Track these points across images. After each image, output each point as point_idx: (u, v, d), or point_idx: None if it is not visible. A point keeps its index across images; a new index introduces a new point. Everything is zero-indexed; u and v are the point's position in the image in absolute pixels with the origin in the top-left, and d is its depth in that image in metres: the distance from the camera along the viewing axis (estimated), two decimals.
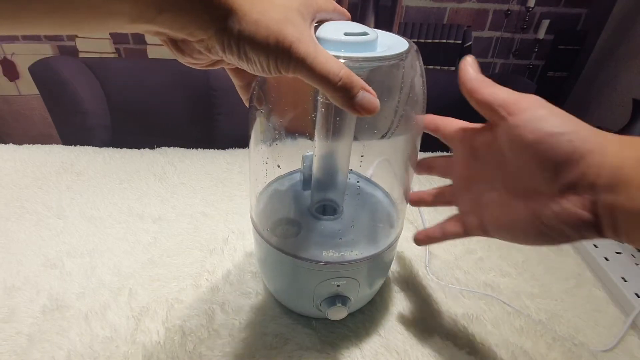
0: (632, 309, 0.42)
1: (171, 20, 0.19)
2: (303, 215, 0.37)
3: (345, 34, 0.25)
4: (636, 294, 0.43)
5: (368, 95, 0.22)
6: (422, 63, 0.30)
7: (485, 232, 0.29)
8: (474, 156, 0.30)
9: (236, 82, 0.32)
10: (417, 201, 0.36)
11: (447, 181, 0.34)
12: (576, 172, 0.22)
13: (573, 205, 0.22)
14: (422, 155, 0.35)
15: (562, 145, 0.22)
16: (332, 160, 0.34)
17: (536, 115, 0.23)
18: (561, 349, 0.38)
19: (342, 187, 0.36)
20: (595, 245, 0.50)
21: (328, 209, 0.38)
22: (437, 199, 0.34)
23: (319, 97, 0.30)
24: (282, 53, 0.20)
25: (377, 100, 0.22)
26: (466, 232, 0.31)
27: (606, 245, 0.50)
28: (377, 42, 0.27)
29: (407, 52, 0.27)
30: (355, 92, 0.22)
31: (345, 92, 0.21)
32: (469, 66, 0.27)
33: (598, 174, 0.21)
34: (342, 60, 0.24)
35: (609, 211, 0.21)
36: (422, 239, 0.34)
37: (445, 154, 0.33)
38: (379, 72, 0.29)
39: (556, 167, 0.22)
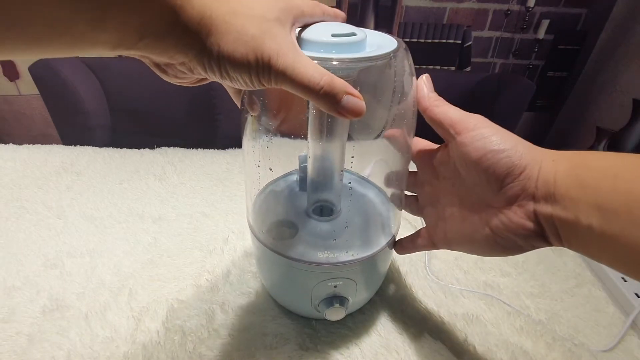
0: (632, 309, 0.42)
1: (152, 46, 0.19)
2: (299, 217, 0.37)
3: (333, 35, 0.25)
4: (636, 294, 0.43)
5: (353, 99, 0.22)
6: (411, 62, 0.30)
7: (449, 245, 0.31)
8: (434, 174, 0.32)
9: (229, 88, 0.32)
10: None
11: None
12: (517, 185, 0.24)
13: (518, 217, 0.24)
14: None
15: (502, 161, 0.24)
16: (327, 161, 0.34)
17: (480, 134, 0.25)
18: (561, 349, 0.38)
19: (337, 188, 0.36)
20: None
21: (325, 210, 0.38)
22: (410, 208, 0.37)
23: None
24: (262, 68, 0.21)
25: (363, 103, 0.23)
26: (433, 244, 0.33)
27: None
28: (366, 43, 0.27)
29: (395, 51, 0.27)
30: (340, 98, 0.22)
31: (329, 99, 0.22)
32: (423, 84, 0.29)
33: (535, 187, 0.23)
34: (334, 62, 0.24)
35: (549, 221, 0.23)
36: (398, 249, 0.37)
37: (412, 170, 0.36)
38: (368, 72, 0.29)
39: (499, 181, 0.25)
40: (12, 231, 0.50)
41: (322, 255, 0.33)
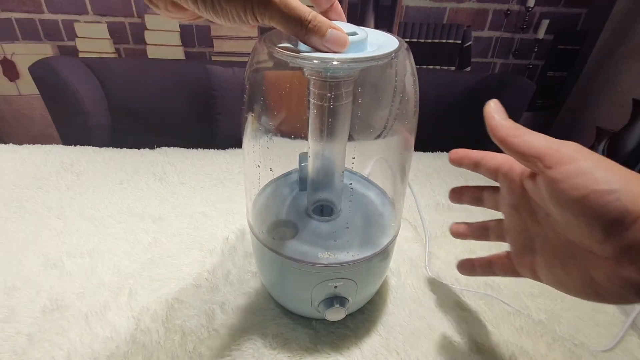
0: (632, 309, 0.42)
1: None
2: (299, 217, 0.37)
3: None
4: None
5: (336, 32, 0.23)
6: (413, 62, 0.30)
7: (537, 278, 0.27)
8: (522, 195, 0.27)
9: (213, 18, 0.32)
10: (457, 234, 0.35)
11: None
12: (629, 236, 0.19)
13: (629, 272, 0.19)
14: (418, 155, 0.35)
15: (610, 205, 0.19)
16: (327, 161, 0.34)
17: (579, 168, 0.20)
18: (561, 349, 0.38)
19: (338, 188, 0.36)
20: None
21: (325, 210, 0.38)
22: (481, 232, 0.33)
23: (310, 99, 0.30)
24: (257, 3, 0.21)
25: (346, 36, 0.24)
26: (515, 273, 0.29)
27: None
28: (367, 42, 0.27)
29: (397, 50, 0.27)
30: (324, 31, 0.23)
31: (315, 32, 0.23)
32: (494, 113, 0.25)
33: None
34: (335, 62, 0.24)
35: None
36: (467, 269, 0.34)
37: (490, 184, 0.31)
38: (370, 71, 0.29)
39: (606, 229, 0.19)
40: (12, 231, 0.50)
41: (323, 256, 0.33)
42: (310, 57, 0.24)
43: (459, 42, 1.67)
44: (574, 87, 1.86)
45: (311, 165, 0.35)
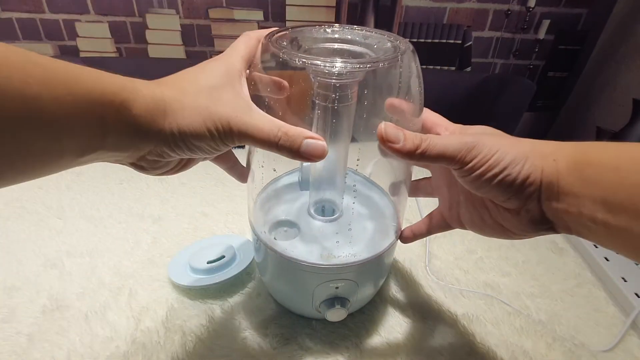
0: (632, 309, 0.42)
1: (117, 140, 0.20)
2: (301, 217, 0.37)
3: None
4: (636, 294, 0.43)
5: (312, 143, 0.24)
6: (418, 64, 0.30)
7: (462, 226, 0.32)
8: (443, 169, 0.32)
9: (223, 167, 0.34)
10: (408, 239, 0.37)
11: None
12: (523, 195, 0.24)
13: (527, 218, 0.25)
14: None
15: (503, 181, 0.24)
16: (330, 161, 0.34)
17: (478, 163, 0.24)
18: (561, 349, 0.38)
19: (340, 188, 0.36)
20: (595, 245, 0.50)
21: (327, 210, 0.38)
22: (412, 192, 0.38)
23: (315, 99, 0.30)
24: (223, 132, 0.22)
25: (323, 143, 0.24)
26: (447, 225, 0.34)
27: None
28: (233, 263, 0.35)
29: (402, 52, 0.27)
30: (298, 145, 0.23)
31: (287, 148, 0.23)
32: (389, 136, 0.24)
33: (539, 190, 0.24)
34: (338, 64, 0.25)
35: (557, 216, 0.24)
36: (408, 236, 0.37)
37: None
38: (374, 73, 0.29)
39: (505, 197, 0.25)
40: (12, 231, 0.50)
41: (324, 256, 0.33)
42: (316, 59, 0.25)
43: (459, 42, 1.67)
44: (575, 87, 1.86)
45: (314, 165, 0.35)
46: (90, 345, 0.36)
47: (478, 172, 0.24)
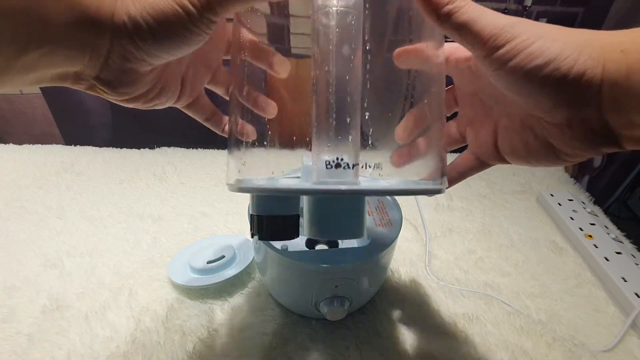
0: (632, 309, 0.42)
1: (63, 32, 0.17)
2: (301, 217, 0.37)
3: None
4: (636, 294, 0.43)
5: None
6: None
7: (502, 160, 0.26)
8: (475, 86, 0.26)
9: (199, 117, 0.30)
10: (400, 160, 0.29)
11: None
12: (575, 98, 0.18)
13: (581, 131, 0.19)
14: None
15: (549, 77, 0.18)
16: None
17: (514, 47, 0.19)
18: (561, 349, 0.38)
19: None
20: (595, 245, 0.50)
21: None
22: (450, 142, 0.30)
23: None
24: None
25: None
26: (482, 164, 0.27)
27: (606, 245, 0.50)
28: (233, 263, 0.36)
29: None
30: None
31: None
32: None
33: (599, 93, 0.18)
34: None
35: (626, 127, 0.18)
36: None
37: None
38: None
39: (550, 100, 0.19)
40: (12, 231, 0.50)
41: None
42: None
43: None
44: None
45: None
46: (90, 345, 0.36)
47: (514, 61, 0.18)
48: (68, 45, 0.17)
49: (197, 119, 0.30)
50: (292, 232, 0.27)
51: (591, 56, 0.17)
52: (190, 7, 0.18)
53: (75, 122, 1.49)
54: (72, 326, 0.38)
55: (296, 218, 0.27)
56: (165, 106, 0.26)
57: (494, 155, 0.26)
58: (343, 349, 0.37)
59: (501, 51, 0.19)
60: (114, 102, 0.22)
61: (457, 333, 0.39)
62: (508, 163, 0.25)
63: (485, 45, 0.19)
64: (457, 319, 0.41)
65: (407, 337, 0.38)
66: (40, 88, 1.46)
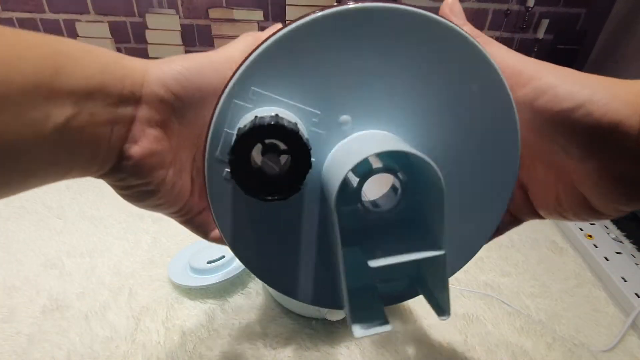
0: (632, 309, 0.42)
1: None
2: None
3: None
4: (636, 294, 0.43)
5: None
6: None
7: (534, 213, 0.23)
8: None
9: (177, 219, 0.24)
10: None
11: None
12: (610, 147, 0.16)
13: (626, 181, 0.17)
14: None
15: (582, 123, 0.16)
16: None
17: (540, 87, 0.17)
18: (561, 349, 0.38)
19: None
20: (595, 245, 0.50)
21: None
22: None
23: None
24: None
25: None
26: (515, 219, 0.24)
27: (606, 245, 0.50)
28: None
29: None
30: None
31: None
32: (452, 14, 0.20)
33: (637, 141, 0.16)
34: None
35: None
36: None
37: None
38: None
39: (582, 147, 0.17)
40: (12, 231, 0.50)
41: None
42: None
43: None
44: None
45: None
46: (90, 345, 0.36)
47: (539, 101, 0.17)
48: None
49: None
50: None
51: (626, 103, 0.16)
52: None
53: None
54: (72, 326, 0.38)
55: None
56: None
57: (528, 210, 0.23)
58: (343, 349, 0.37)
59: (525, 90, 0.17)
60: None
61: (457, 333, 0.39)
62: (543, 218, 0.23)
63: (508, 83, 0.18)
64: (457, 319, 0.41)
65: (407, 337, 0.38)
66: None
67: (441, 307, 0.19)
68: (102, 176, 0.18)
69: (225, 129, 0.17)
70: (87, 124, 0.15)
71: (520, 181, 0.22)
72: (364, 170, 0.18)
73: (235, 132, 0.15)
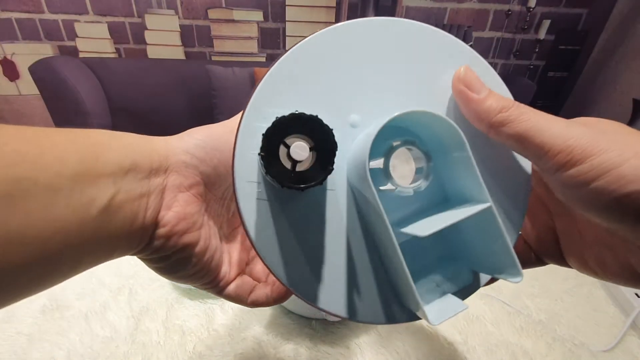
0: (632, 309, 0.42)
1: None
2: None
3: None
4: (636, 294, 0.43)
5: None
6: None
7: (562, 262, 0.21)
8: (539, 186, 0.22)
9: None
10: None
11: None
12: None
13: None
14: None
15: (632, 204, 0.14)
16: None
17: (601, 166, 0.15)
18: (561, 349, 0.38)
19: None
20: None
21: None
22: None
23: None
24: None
25: None
26: (536, 260, 0.22)
27: None
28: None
29: None
30: None
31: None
32: (469, 86, 0.18)
33: None
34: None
35: None
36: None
37: None
38: None
39: (633, 228, 0.15)
40: None
41: None
42: None
43: None
44: (574, 87, 1.86)
45: None
46: (90, 345, 0.36)
47: (597, 183, 0.15)
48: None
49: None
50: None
51: None
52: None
53: (74, 123, 1.50)
54: (72, 326, 0.38)
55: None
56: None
57: (553, 255, 0.21)
58: (343, 348, 0.37)
59: (579, 169, 0.15)
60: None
61: (457, 333, 0.39)
62: (569, 267, 0.21)
63: (554, 160, 0.15)
64: (457, 319, 0.41)
65: (407, 337, 0.38)
66: (38, 88, 1.46)
67: (511, 271, 0.17)
68: (140, 251, 0.19)
69: (250, 152, 0.18)
70: (126, 201, 0.17)
71: (553, 228, 0.21)
72: (385, 149, 0.18)
73: (258, 150, 0.16)
